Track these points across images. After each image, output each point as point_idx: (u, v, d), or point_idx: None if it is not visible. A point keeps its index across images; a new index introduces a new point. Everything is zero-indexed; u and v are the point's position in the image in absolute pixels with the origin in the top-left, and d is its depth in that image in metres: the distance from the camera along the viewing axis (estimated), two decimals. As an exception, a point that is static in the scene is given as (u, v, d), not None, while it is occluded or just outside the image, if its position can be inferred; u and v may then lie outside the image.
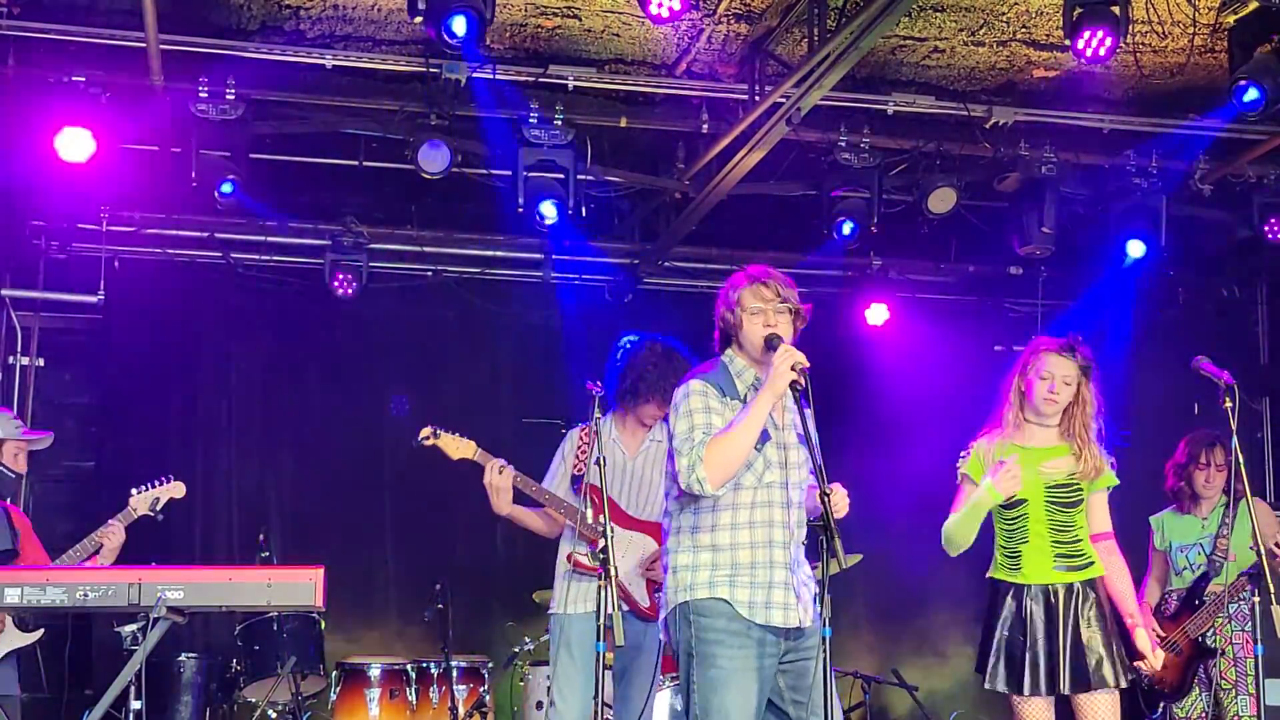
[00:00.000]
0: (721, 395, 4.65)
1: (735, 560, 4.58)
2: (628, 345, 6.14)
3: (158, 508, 6.29)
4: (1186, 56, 7.36)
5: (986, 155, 8.29)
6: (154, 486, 6.35)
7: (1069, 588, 5.37)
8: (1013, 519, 5.49)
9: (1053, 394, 5.43)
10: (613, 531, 5.88)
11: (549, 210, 7.85)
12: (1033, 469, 5.42)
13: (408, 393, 9.19)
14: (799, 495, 4.67)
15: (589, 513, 5.95)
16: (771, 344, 4.58)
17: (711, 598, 4.57)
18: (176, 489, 6.38)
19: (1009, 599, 5.44)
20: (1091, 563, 5.43)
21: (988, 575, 5.58)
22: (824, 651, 4.25)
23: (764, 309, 4.67)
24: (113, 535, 6.13)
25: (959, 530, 5.49)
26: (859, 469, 9.40)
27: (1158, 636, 6.32)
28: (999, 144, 8.22)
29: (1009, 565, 5.49)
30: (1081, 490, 5.43)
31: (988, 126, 8.06)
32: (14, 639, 6.00)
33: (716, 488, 4.51)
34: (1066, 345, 5.49)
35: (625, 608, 5.92)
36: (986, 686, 5.42)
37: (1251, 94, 6.55)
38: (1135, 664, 5.55)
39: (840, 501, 4.46)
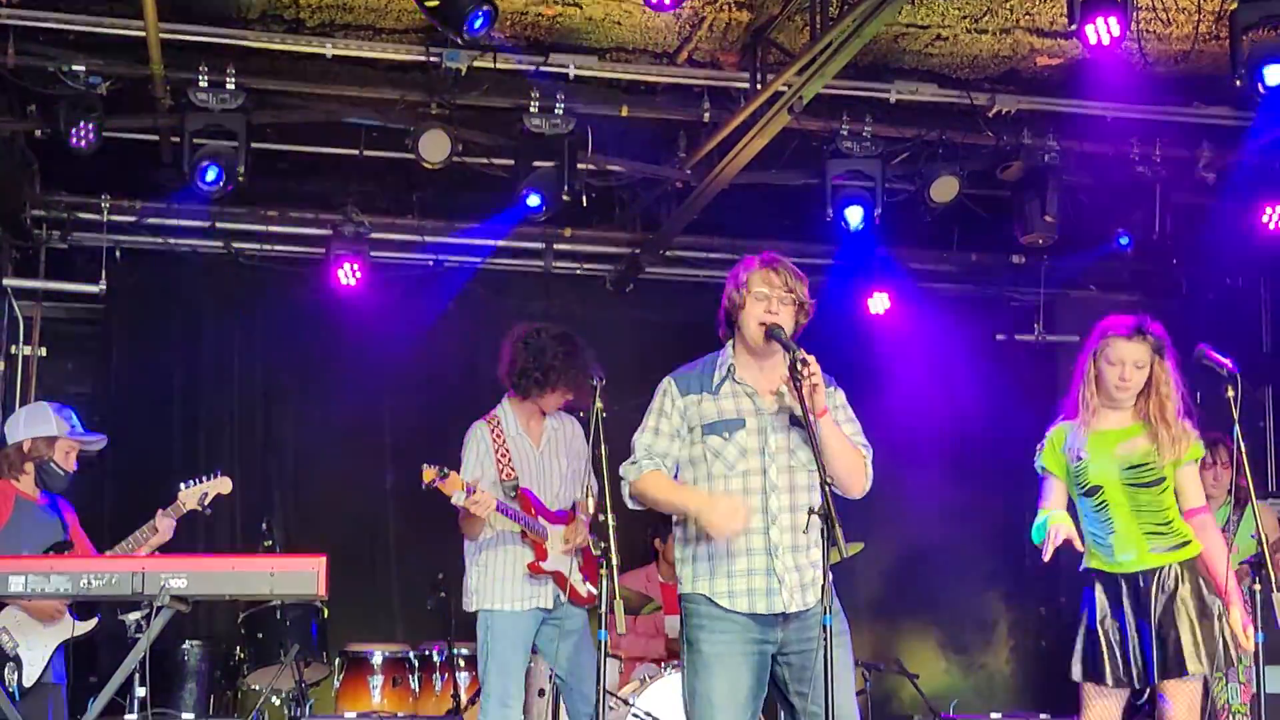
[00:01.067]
0: (682, 395, 4.69)
1: (712, 551, 4.62)
2: (530, 335, 6.18)
3: (205, 502, 6.26)
4: (1191, 43, 7.35)
5: (989, 143, 8.28)
6: (202, 482, 6.30)
7: (1164, 570, 5.19)
8: (1096, 507, 5.32)
9: (1124, 381, 5.27)
10: (543, 527, 6.00)
11: (534, 200, 7.88)
12: (1108, 453, 5.28)
13: (408, 383, 9.19)
14: (787, 479, 4.61)
15: (526, 516, 6.07)
16: (773, 334, 4.57)
17: (694, 591, 4.63)
18: (224, 484, 6.35)
19: (1101, 588, 5.28)
20: (1187, 541, 5.25)
21: (1082, 567, 5.40)
22: (824, 639, 4.22)
23: (769, 295, 4.64)
24: (163, 529, 6.13)
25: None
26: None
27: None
28: (1002, 132, 8.22)
29: (1102, 555, 5.32)
30: (1161, 469, 5.25)
31: (990, 115, 8.05)
32: (68, 628, 6.03)
33: (632, 507, 4.74)
34: (1135, 328, 5.31)
35: (564, 598, 6.04)
36: (1072, 678, 5.31)
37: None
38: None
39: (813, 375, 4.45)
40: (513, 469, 6.09)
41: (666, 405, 4.69)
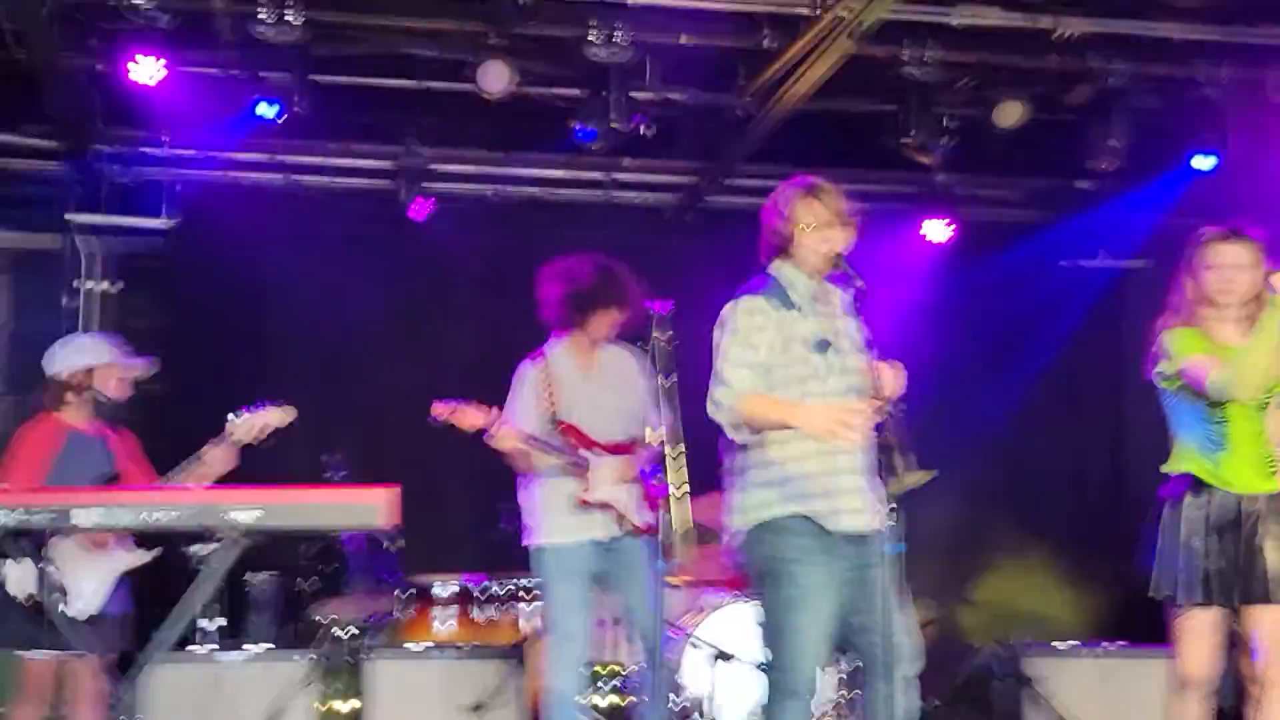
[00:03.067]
0: (775, 308, 4.60)
1: (806, 472, 4.55)
2: (560, 266, 6.18)
3: (260, 434, 6.05)
4: (1261, -38, 7.18)
5: (1054, 67, 8.14)
6: (256, 411, 6.06)
7: (1268, 497, 5.03)
8: (1214, 420, 5.05)
9: (1228, 284, 5.02)
10: (584, 459, 6.01)
11: (589, 131, 7.84)
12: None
13: (470, 314, 9.22)
14: (857, 391, 4.58)
15: (568, 449, 6.05)
16: (838, 263, 4.53)
17: (787, 515, 4.55)
18: (275, 415, 6.06)
19: (1195, 499, 5.05)
20: None
21: (1172, 470, 5.16)
22: (886, 568, 4.24)
23: (824, 221, 4.61)
24: (214, 458, 5.96)
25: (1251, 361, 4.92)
26: (926, 388, 9.39)
27: None
28: (1068, 56, 8.07)
29: (1207, 465, 5.06)
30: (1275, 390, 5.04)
31: (1055, 38, 7.90)
32: (128, 558, 6.07)
33: (741, 439, 4.55)
34: (1231, 230, 5.08)
35: (621, 530, 6.02)
36: (1152, 594, 5.11)
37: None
38: None
39: (890, 380, 4.39)
40: (553, 402, 6.08)
41: (759, 321, 4.56)
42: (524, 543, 6.24)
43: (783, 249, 4.70)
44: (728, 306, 4.67)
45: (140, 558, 6.11)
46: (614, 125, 7.79)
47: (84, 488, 5.65)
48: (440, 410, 6.03)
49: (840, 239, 4.62)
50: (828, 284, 4.74)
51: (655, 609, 5.71)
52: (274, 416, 6.10)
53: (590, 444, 6.12)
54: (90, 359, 6.20)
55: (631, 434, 6.15)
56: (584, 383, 6.20)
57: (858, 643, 4.61)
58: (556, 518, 6.08)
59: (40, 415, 6.14)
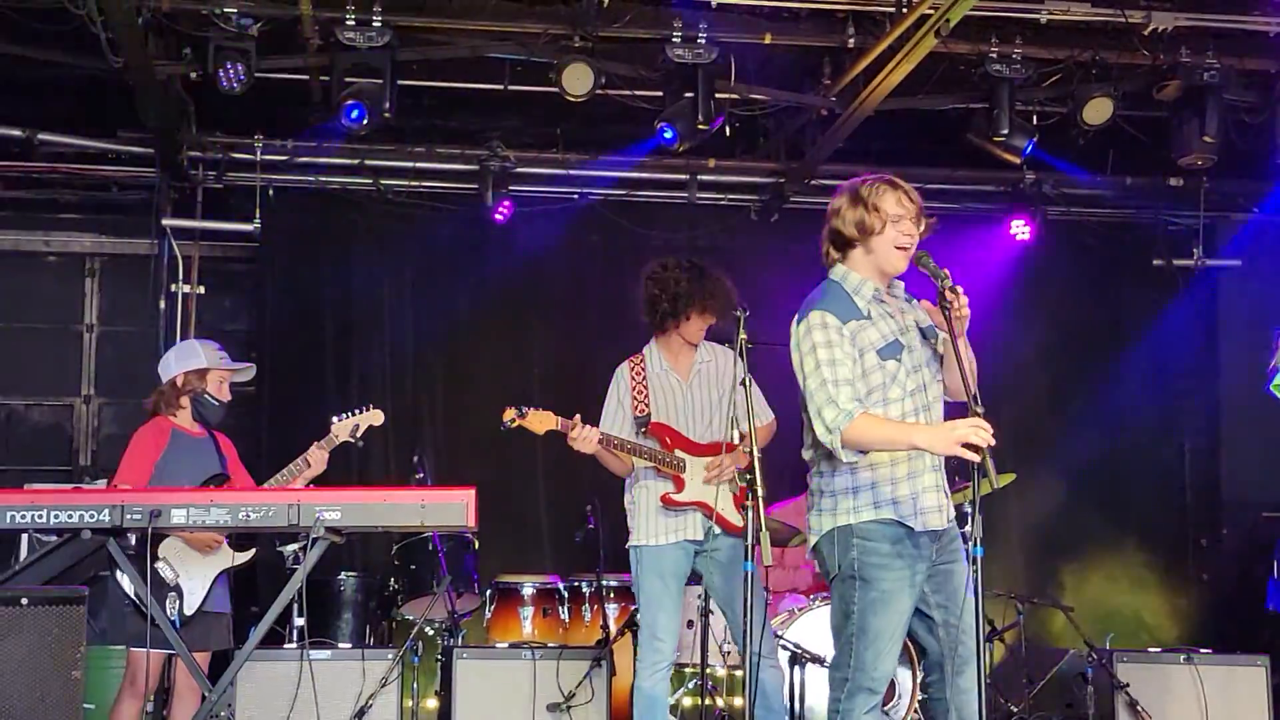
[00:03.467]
0: (843, 323, 4.56)
1: (894, 475, 4.56)
2: (655, 268, 6.19)
3: (358, 434, 6.43)
4: (1359, -47, 7.03)
5: (1144, 63, 8.02)
6: (355, 414, 6.46)
7: None
8: None
9: None
10: (679, 460, 6.03)
11: (669, 134, 7.83)
12: None
13: (554, 315, 9.27)
14: (938, 392, 4.62)
15: (661, 449, 6.06)
16: (919, 261, 4.52)
17: (875, 520, 4.55)
18: (375, 416, 6.49)
19: None
20: None
21: None
22: (972, 570, 4.19)
23: (903, 216, 4.58)
24: (315, 461, 6.32)
25: None
26: (1016, 389, 9.29)
27: None
28: (1158, 50, 7.94)
29: None
30: None
31: (1146, 33, 7.78)
32: (227, 558, 6.24)
33: (849, 459, 4.51)
34: None
35: (719, 529, 6.00)
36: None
37: None
38: None
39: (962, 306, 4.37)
40: (646, 404, 6.10)
41: (835, 337, 4.53)
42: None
43: (854, 245, 4.66)
44: (799, 326, 4.62)
45: (241, 557, 6.26)
46: (700, 126, 7.78)
47: (185, 488, 5.79)
48: (509, 415, 6.02)
49: (917, 237, 4.59)
50: (898, 285, 4.73)
51: (746, 611, 5.68)
52: (371, 418, 6.47)
53: (684, 444, 6.14)
54: (202, 362, 6.38)
55: (726, 434, 6.12)
56: (679, 383, 6.22)
57: (938, 636, 4.61)
58: (650, 519, 6.11)
59: (153, 419, 6.33)
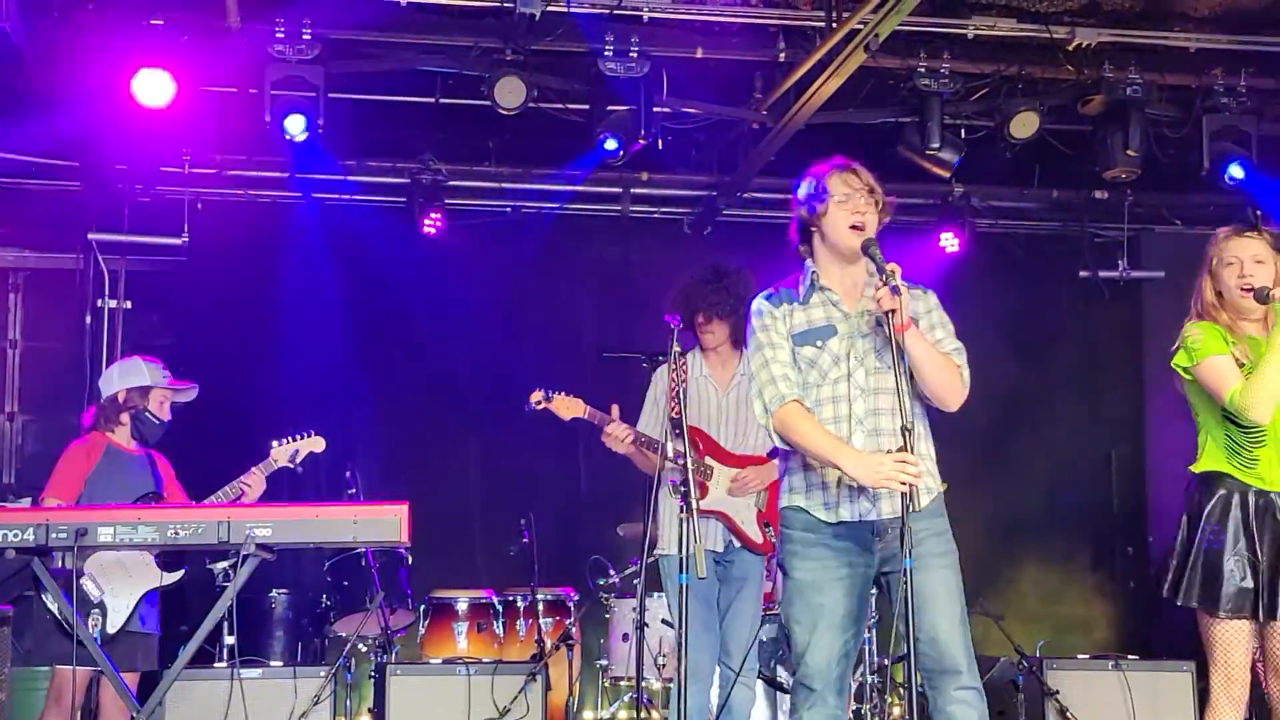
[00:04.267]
0: (775, 306, 4.59)
1: (807, 462, 4.54)
2: (685, 282, 6.16)
3: (297, 460, 6.42)
4: (1276, -29, 7.17)
5: (1069, 78, 8.15)
6: (295, 439, 6.45)
7: None
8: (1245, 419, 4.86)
9: (1246, 277, 4.91)
10: (708, 467, 5.95)
11: (611, 144, 7.86)
12: None
13: (488, 329, 9.25)
14: (874, 382, 4.49)
15: (692, 454, 5.92)
16: (866, 249, 4.45)
17: (789, 506, 4.56)
18: (317, 443, 6.49)
19: (1226, 500, 4.87)
20: None
21: (1199, 469, 4.98)
22: (906, 583, 4.15)
23: (851, 195, 4.58)
24: (254, 484, 6.26)
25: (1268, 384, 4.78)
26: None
27: None
28: (1082, 66, 8.07)
29: (1240, 465, 4.88)
30: None
31: (1070, 49, 7.90)
32: (155, 578, 6.16)
33: (780, 444, 4.55)
34: (1246, 225, 5.03)
35: (738, 543, 6.00)
36: (1179, 602, 4.90)
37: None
38: None
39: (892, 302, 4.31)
40: (678, 406, 6.04)
41: (768, 321, 4.57)
42: None
43: (811, 231, 4.64)
44: (750, 307, 4.70)
45: (169, 577, 6.18)
46: (640, 140, 7.81)
47: (114, 505, 5.72)
48: (536, 397, 6.04)
49: (873, 218, 4.56)
50: (861, 270, 4.61)
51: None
52: (312, 444, 6.49)
53: (716, 451, 6.08)
54: (146, 380, 6.32)
55: (766, 446, 6.06)
56: (716, 392, 6.17)
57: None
58: (672, 527, 6.02)
59: (89, 435, 6.26)
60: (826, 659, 4.44)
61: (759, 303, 4.65)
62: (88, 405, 6.76)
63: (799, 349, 4.56)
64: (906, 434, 4.21)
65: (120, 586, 6.06)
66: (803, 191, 4.68)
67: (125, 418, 6.32)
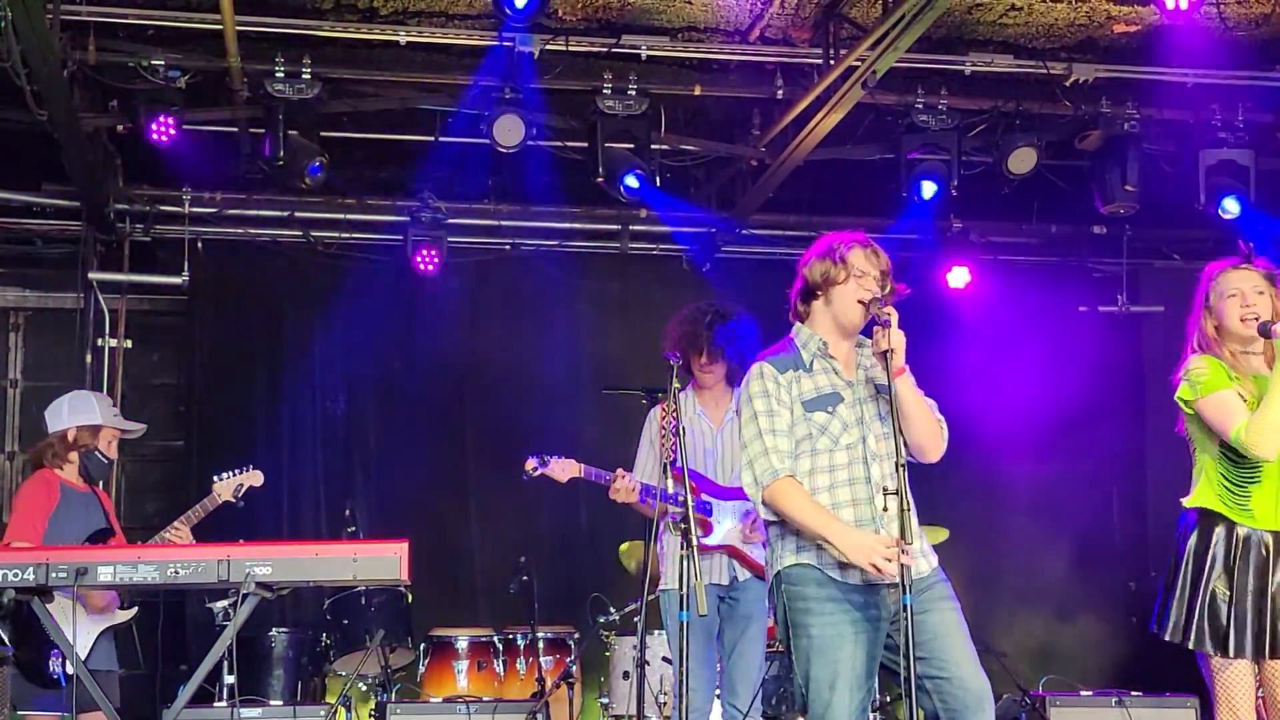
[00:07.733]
0: (780, 373, 4.58)
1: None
2: (680, 318, 6.15)
3: (239, 494, 6.41)
4: (1272, 6, 7.20)
5: (1067, 113, 8.18)
6: (236, 474, 6.45)
7: None
8: (1241, 454, 4.84)
9: (1249, 307, 4.90)
10: (716, 503, 5.94)
11: (631, 181, 7.84)
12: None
13: (487, 366, 9.25)
14: (887, 446, 4.51)
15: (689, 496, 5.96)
16: (875, 316, 4.48)
17: (797, 564, 4.53)
18: (255, 477, 6.49)
19: (1221, 539, 4.86)
20: None
21: (1193, 504, 4.99)
22: (906, 618, 4.18)
23: (868, 273, 4.57)
24: (179, 536, 6.18)
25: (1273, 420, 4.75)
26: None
27: None
28: (1079, 101, 8.11)
29: (1233, 502, 4.89)
30: None
31: (1068, 84, 7.95)
32: (110, 617, 6.11)
33: (766, 516, 4.57)
34: (1242, 258, 5.02)
35: (748, 573, 6.00)
36: (1191, 647, 4.87)
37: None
38: None
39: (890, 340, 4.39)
40: (671, 449, 6.04)
41: (771, 387, 4.56)
42: None
43: (817, 295, 4.65)
44: (747, 377, 4.67)
45: (122, 616, 6.15)
46: (641, 173, 7.84)
47: (94, 545, 5.69)
48: (530, 465, 6.07)
49: (879, 295, 4.55)
50: (859, 340, 4.69)
51: (684, 658, 5.65)
52: (251, 478, 6.46)
53: (711, 489, 6.08)
54: (97, 418, 6.25)
55: None
56: (710, 429, 6.17)
57: (929, 692, 4.47)
58: (675, 563, 6.01)
59: (39, 472, 6.18)
60: (845, 713, 4.43)
61: (763, 366, 4.63)
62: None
63: (810, 415, 4.56)
64: (905, 514, 4.25)
65: (78, 625, 5.94)
66: (818, 255, 4.67)
67: (73, 455, 6.18)
